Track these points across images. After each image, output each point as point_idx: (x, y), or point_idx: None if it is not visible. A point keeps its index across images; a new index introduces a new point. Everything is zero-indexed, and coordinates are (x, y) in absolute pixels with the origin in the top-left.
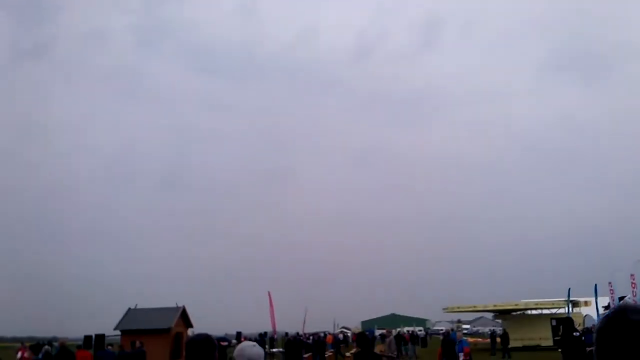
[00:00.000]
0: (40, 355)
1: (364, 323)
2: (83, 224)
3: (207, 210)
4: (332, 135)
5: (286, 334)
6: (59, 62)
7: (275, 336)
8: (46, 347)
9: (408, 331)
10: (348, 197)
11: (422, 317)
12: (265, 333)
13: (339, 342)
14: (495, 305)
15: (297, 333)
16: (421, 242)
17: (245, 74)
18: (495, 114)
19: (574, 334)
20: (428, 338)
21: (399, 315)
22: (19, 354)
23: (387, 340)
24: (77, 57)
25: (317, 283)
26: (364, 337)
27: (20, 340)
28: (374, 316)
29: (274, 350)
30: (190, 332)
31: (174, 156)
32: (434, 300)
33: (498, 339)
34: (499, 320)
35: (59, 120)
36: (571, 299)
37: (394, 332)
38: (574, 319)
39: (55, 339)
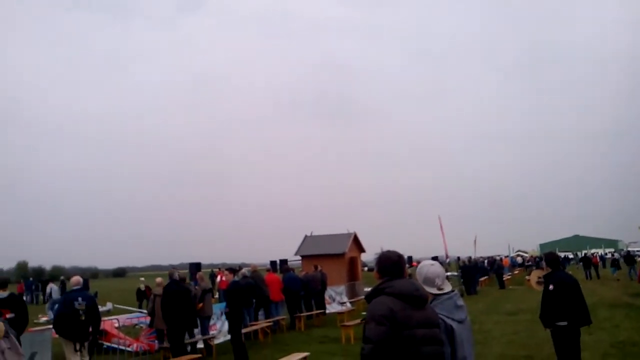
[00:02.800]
0: (236, 278)
1: (542, 246)
2: (256, 157)
3: (369, 138)
4: (479, 50)
5: (458, 258)
6: (214, 12)
7: (448, 260)
8: (244, 269)
9: (594, 254)
10: (506, 113)
11: (612, 238)
12: (436, 257)
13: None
14: None
15: (470, 257)
16: (603, 157)
17: None
18: None
19: None
20: (621, 260)
21: (583, 237)
22: (218, 277)
23: (541, 264)
24: (228, 4)
25: (491, 205)
26: (555, 258)
27: (217, 266)
28: (554, 238)
29: (448, 274)
30: (363, 256)
31: (329, 87)
32: (627, 219)
33: None
34: None
35: (219, 66)
36: None
37: (579, 254)
38: None
39: (244, 264)
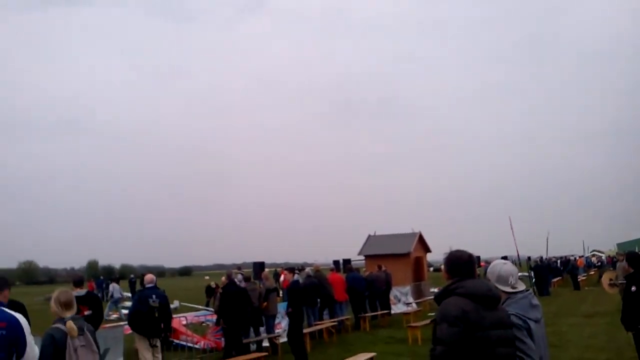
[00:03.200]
0: (297, 277)
1: (620, 245)
2: (312, 157)
3: (429, 137)
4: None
5: (528, 258)
6: (275, 12)
7: (519, 260)
8: (307, 269)
9: None
10: (589, 111)
11: None
12: (506, 257)
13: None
14: None
15: (541, 257)
16: None
17: None
18: None
19: None
20: None
21: None
22: (282, 277)
23: (619, 265)
24: (289, 5)
25: (564, 202)
26: (638, 257)
27: (279, 265)
28: (634, 237)
29: (519, 274)
30: (429, 256)
31: (388, 84)
32: None
33: None
34: None
35: (283, 63)
36: None
37: None
38: None
39: (306, 264)
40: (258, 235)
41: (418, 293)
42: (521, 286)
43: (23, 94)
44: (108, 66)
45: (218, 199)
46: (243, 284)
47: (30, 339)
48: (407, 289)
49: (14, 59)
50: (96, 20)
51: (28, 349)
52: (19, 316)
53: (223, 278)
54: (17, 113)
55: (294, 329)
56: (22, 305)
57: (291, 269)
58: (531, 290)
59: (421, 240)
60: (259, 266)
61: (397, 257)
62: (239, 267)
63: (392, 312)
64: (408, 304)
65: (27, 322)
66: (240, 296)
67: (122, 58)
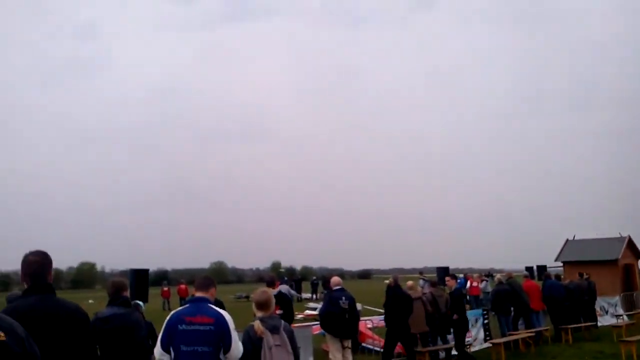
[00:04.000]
0: (483, 284)
1: None
2: (507, 153)
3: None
4: None
5: None
6: (448, 8)
7: None
8: (499, 275)
9: None
10: None
11: None
12: None
13: None
14: None
15: None
16: None
17: None
18: None
19: None
20: None
21: None
22: (468, 283)
23: None
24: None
25: None
26: None
27: (463, 271)
28: None
29: None
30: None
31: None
32: None
33: None
34: None
35: (454, 63)
36: None
37: None
38: None
39: (493, 270)
40: (441, 238)
41: (629, 304)
42: None
43: (213, 103)
44: (286, 75)
45: (398, 202)
46: (427, 289)
47: (234, 334)
48: (616, 299)
49: (197, 73)
50: (272, 32)
51: (233, 344)
52: (224, 313)
53: (409, 283)
54: (208, 122)
55: (460, 337)
56: (222, 303)
57: (454, 275)
58: None
59: (631, 245)
60: (443, 271)
61: (602, 264)
62: (420, 271)
63: (599, 324)
64: (618, 317)
65: (231, 319)
66: (405, 301)
67: (299, 66)
